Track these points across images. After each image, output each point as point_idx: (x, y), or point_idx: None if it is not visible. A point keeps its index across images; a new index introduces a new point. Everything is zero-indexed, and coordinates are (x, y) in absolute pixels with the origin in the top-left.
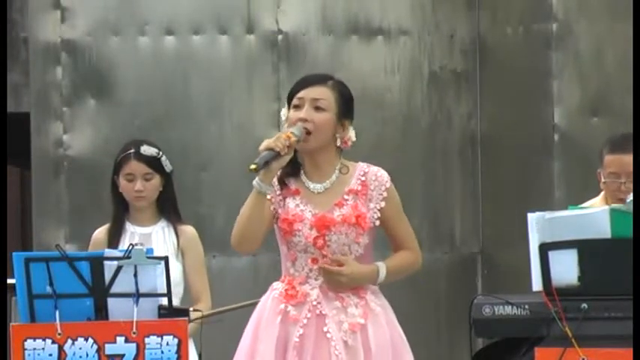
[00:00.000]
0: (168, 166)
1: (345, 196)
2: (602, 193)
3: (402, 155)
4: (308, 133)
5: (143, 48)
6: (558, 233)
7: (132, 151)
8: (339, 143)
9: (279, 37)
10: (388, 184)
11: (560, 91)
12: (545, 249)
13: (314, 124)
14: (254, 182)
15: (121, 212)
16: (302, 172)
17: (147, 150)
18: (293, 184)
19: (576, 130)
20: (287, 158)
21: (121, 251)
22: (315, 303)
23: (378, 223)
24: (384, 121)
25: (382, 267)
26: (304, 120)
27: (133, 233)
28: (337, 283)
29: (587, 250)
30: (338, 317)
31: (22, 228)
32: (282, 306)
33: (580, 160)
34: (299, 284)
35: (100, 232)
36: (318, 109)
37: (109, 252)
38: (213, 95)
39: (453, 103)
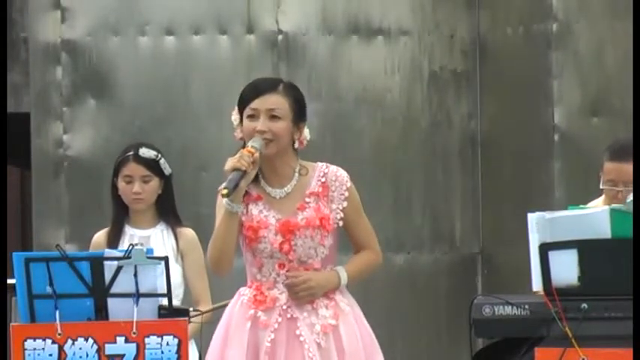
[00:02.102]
0: (167, 169)
1: (307, 199)
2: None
3: (402, 155)
4: (269, 141)
5: (143, 48)
6: (558, 233)
7: (131, 153)
8: (296, 146)
9: (279, 37)
10: (349, 184)
11: (560, 91)
12: (545, 249)
13: (272, 133)
14: (225, 204)
15: (120, 215)
16: (260, 177)
17: (145, 152)
18: (254, 191)
19: (576, 130)
20: (253, 173)
21: (120, 251)
22: (285, 307)
23: (341, 223)
24: (384, 122)
25: (342, 271)
26: (262, 132)
27: (132, 236)
28: (308, 296)
29: (587, 250)
30: (309, 320)
31: (22, 228)
32: (252, 312)
33: (580, 160)
34: (267, 289)
35: (100, 236)
36: (274, 117)
37: (108, 252)
38: (213, 95)
39: (453, 104)
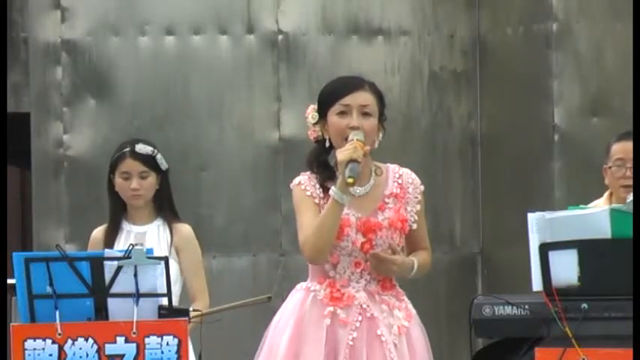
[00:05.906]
0: (163, 164)
1: (386, 200)
2: (606, 194)
3: (402, 155)
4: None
5: (143, 48)
6: (558, 233)
7: (127, 149)
8: (377, 145)
9: (279, 37)
10: (422, 187)
11: (560, 91)
12: (545, 249)
13: (365, 130)
14: (334, 195)
15: (117, 211)
16: (338, 175)
17: (142, 149)
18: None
19: (576, 130)
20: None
21: (121, 251)
22: (364, 306)
23: (414, 226)
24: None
25: (415, 262)
26: (357, 128)
27: (129, 232)
28: (387, 271)
29: (587, 250)
30: (387, 320)
31: (22, 228)
32: (331, 308)
33: (580, 160)
34: (342, 287)
35: (99, 232)
36: (365, 114)
37: (109, 252)
38: (213, 95)
39: (453, 103)
